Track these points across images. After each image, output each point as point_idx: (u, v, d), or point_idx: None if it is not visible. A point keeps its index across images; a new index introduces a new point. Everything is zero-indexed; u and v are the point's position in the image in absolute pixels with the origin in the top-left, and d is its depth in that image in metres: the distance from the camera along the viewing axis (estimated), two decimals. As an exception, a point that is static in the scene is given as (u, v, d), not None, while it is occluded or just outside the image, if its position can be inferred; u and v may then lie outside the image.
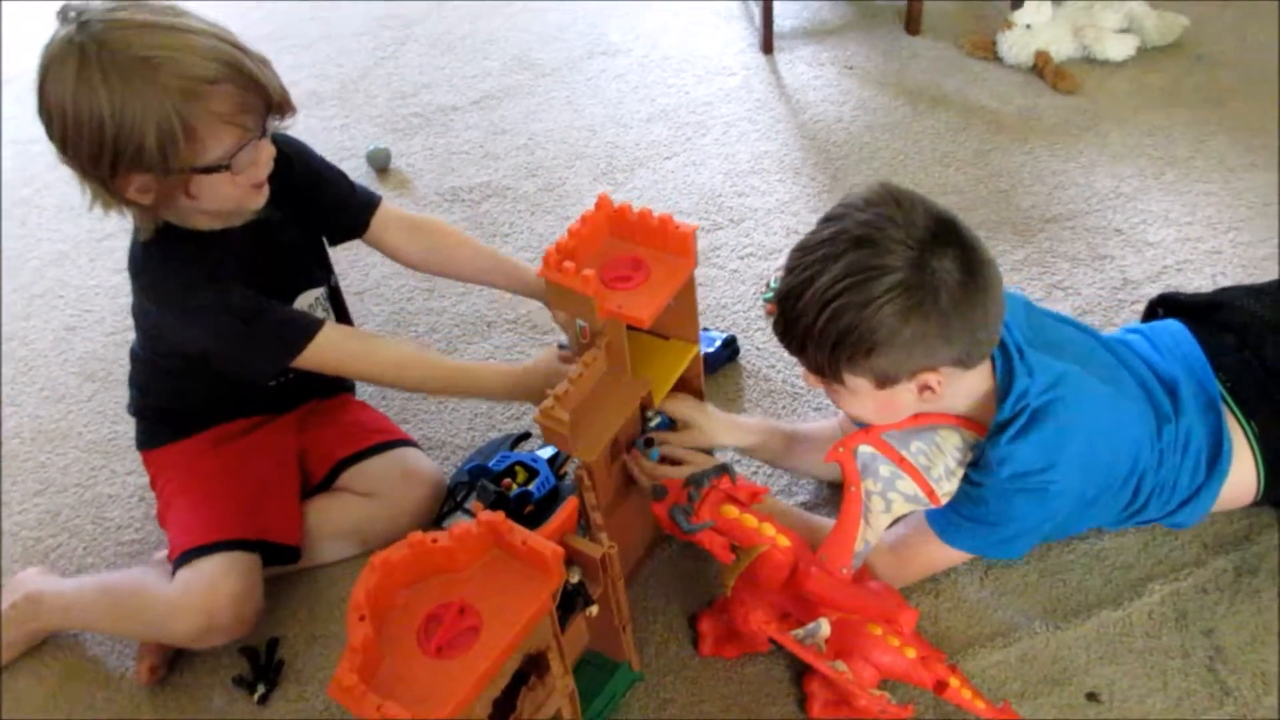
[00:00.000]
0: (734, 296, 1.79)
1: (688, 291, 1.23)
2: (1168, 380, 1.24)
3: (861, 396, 1.11)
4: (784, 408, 1.59)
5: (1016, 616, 1.28)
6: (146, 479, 1.45)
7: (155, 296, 1.27)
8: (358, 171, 2.19)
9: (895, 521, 1.20)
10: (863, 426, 1.18)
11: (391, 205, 1.47)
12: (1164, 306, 1.42)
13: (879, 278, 1.01)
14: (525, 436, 1.56)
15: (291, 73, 2.52)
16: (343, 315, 1.50)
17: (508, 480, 1.44)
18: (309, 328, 1.27)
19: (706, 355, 1.62)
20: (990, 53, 2.33)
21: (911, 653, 1.14)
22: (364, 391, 1.62)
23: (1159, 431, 1.20)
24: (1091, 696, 1.20)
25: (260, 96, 1.15)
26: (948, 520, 1.21)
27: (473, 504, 1.44)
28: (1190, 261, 1.77)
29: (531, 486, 1.43)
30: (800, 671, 1.24)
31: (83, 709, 1.32)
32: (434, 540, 0.94)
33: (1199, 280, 1.72)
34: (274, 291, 1.30)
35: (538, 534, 0.96)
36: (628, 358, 1.21)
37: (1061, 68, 2.23)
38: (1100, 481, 1.18)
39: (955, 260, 1.03)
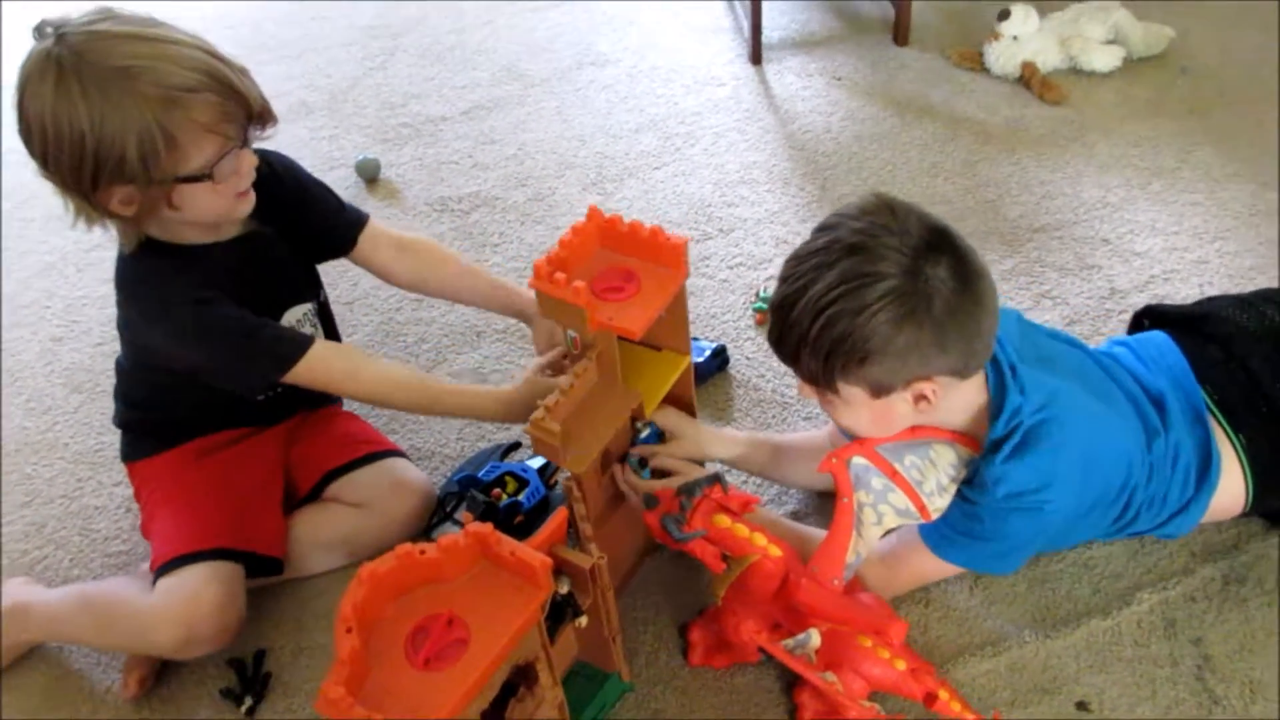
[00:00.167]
0: (724, 306, 1.80)
1: (679, 303, 1.23)
2: (1155, 394, 1.25)
3: (856, 407, 1.11)
4: (774, 417, 1.59)
5: (1006, 625, 1.28)
6: (132, 490, 1.44)
7: (141, 311, 1.27)
8: (347, 181, 2.19)
9: (886, 534, 1.20)
10: (855, 438, 1.18)
11: (379, 224, 1.47)
12: (1149, 318, 1.43)
13: (872, 285, 1.01)
14: (515, 446, 1.55)
15: (280, 83, 2.53)
16: (331, 330, 1.50)
17: (497, 490, 1.44)
18: (297, 345, 1.27)
19: (696, 365, 1.61)
20: (977, 63, 2.34)
21: (901, 665, 1.14)
22: (352, 402, 1.61)
23: (1149, 445, 1.21)
24: (1081, 705, 1.20)
25: (241, 105, 1.15)
26: (941, 535, 1.22)
27: (462, 514, 1.44)
28: (1177, 271, 1.78)
29: (521, 497, 1.43)
30: (790, 682, 1.24)
31: (68, 722, 1.31)
32: (422, 552, 0.93)
33: (1186, 290, 1.73)
34: (262, 306, 1.29)
35: (527, 545, 0.95)
36: (619, 369, 1.21)
37: (1048, 79, 2.25)
38: (1094, 498, 1.19)
39: (949, 269, 1.03)
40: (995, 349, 1.13)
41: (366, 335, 1.83)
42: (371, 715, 0.82)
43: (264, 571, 1.37)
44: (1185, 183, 1.97)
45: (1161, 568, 1.33)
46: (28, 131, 1.11)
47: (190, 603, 1.25)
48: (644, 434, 1.28)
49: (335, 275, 1.89)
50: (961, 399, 1.14)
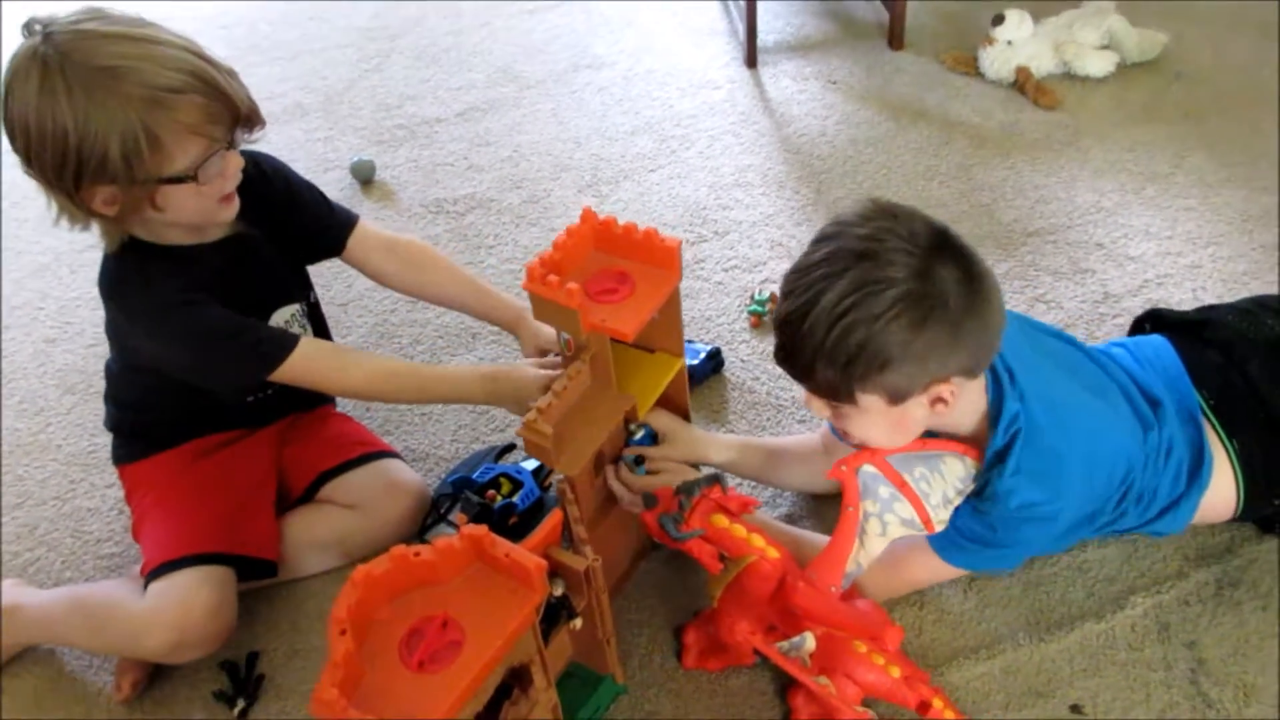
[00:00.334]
0: (718, 309, 1.80)
1: (673, 305, 1.23)
2: (1149, 392, 1.25)
3: (873, 416, 1.09)
4: (768, 420, 1.59)
5: (1000, 629, 1.28)
6: (124, 493, 1.44)
7: (126, 312, 1.26)
8: (342, 183, 2.19)
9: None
10: (854, 444, 1.17)
11: (370, 225, 1.46)
12: (1151, 322, 1.43)
13: (885, 290, 1.00)
14: (510, 448, 1.55)
15: (275, 85, 2.53)
16: (322, 332, 1.49)
17: (492, 492, 1.44)
18: (284, 343, 1.26)
19: (691, 367, 1.62)
20: (972, 68, 2.35)
21: (896, 671, 1.14)
22: (345, 403, 1.61)
23: (1144, 437, 1.21)
24: (1075, 709, 1.20)
25: (227, 107, 1.14)
26: (950, 541, 1.22)
27: (456, 516, 1.43)
28: (1171, 276, 1.78)
29: (516, 498, 1.42)
30: (784, 685, 1.24)
31: (60, 724, 1.30)
32: (416, 554, 0.93)
33: (1179, 294, 1.74)
34: (250, 307, 1.29)
35: (521, 546, 0.95)
36: (612, 371, 1.21)
37: (1042, 83, 2.25)
38: (1099, 495, 1.19)
39: (957, 268, 1.03)
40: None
41: (361, 337, 1.83)
42: (365, 717, 0.81)
43: (257, 574, 1.36)
44: (1179, 188, 1.98)
45: (1155, 571, 1.33)
46: (11, 128, 1.11)
47: (182, 608, 1.25)
48: (638, 436, 1.28)
49: (329, 276, 1.89)
50: (969, 402, 1.14)
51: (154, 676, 1.33)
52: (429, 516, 1.45)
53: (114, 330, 1.33)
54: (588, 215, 1.22)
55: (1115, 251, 1.84)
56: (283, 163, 1.39)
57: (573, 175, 2.16)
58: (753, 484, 1.47)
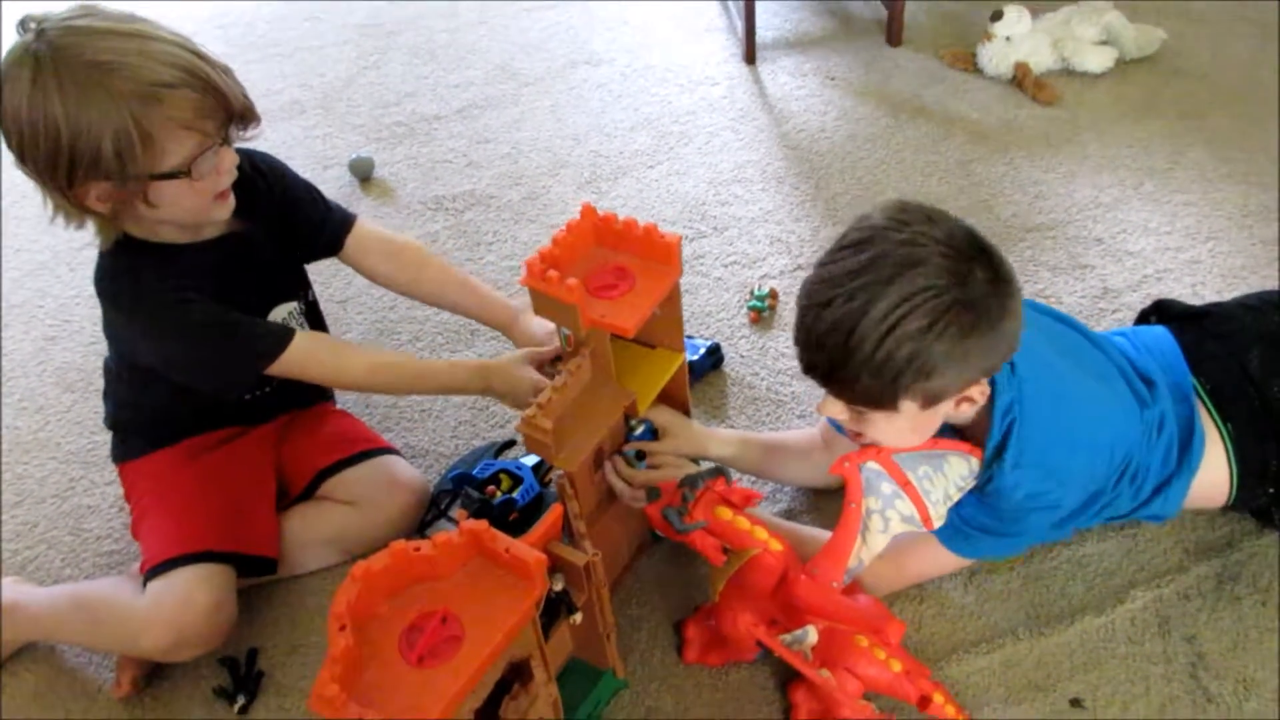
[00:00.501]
0: (718, 304, 1.80)
1: (673, 300, 1.23)
2: (1143, 372, 1.26)
3: (902, 420, 1.08)
4: (767, 415, 1.59)
5: (1000, 623, 1.29)
6: (123, 491, 1.44)
7: (121, 310, 1.26)
8: (341, 180, 2.18)
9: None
10: (852, 435, 1.17)
11: (367, 224, 1.46)
12: (1155, 314, 1.43)
13: (933, 299, 0.99)
14: (510, 444, 1.55)
15: (273, 82, 2.53)
16: (320, 329, 1.49)
17: (492, 488, 1.44)
18: (279, 338, 1.26)
19: (691, 363, 1.62)
20: (970, 64, 2.35)
21: (897, 666, 1.14)
22: (344, 400, 1.61)
23: (1141, 415, 1.22)
24: (1075, 703, 1.20)
25: (220, 102, 1.14)
26: (955, 530, 1.22)
27: (456, 512, 1.43)
28: (1170, 271, 1.78)
29: (516, 494, 1.42)
30: (785, 680, 1.24)
31: (60, 721, 1.30)
32: (416, 549, 0.93)
33: (1179, 289, 1.74)
34: (247, 305, 1.29)
35: (521, 541, 0.95)
36: (612, 367, 1.21)
37: (1041, 79, 2.25)
38: (1102, 478, 1.20)
39: (987, 269, 1.03)
40: None
41: (360, 334, 1.82)
42: (364, 713, 0.81)
43: (257, 571, 1.36)
44: (1178, 183, 1.98)
45: (1155, 565, 1.33)
46: (5, 125, 1.10)
47: (181, 606, 1.25)
48: (638, 431, 1.28)
49: (329, 274, 1.89)
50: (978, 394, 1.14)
51: (154, 673, 1.33)
52: (429, 513, 1.45)
53: (110, 328, 1.33)
54: (588, 211, 1.22)
55: (1114, 247, 1.84)
56: (280, 161, 1.38)
57: (571, 172, 2.16)
58: (752, 479, 1.47)
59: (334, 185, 2.17)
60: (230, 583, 1.30)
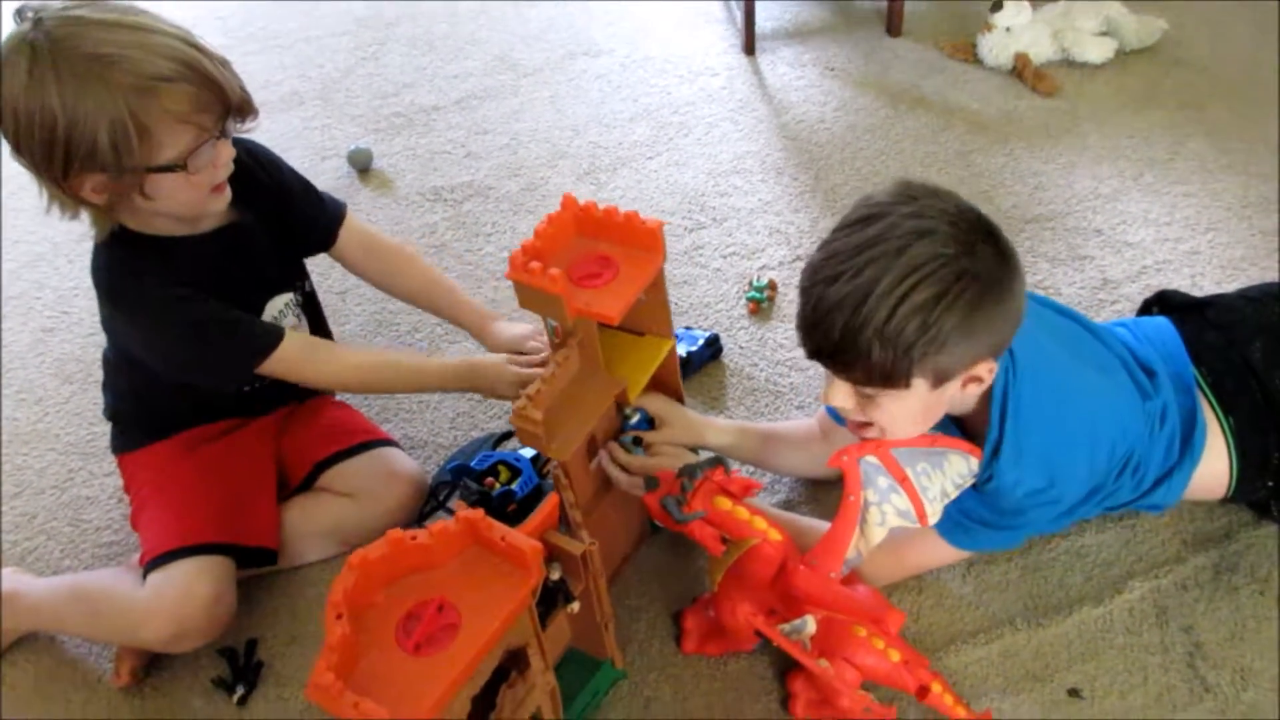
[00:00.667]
0: (717, 295, 1.79)
1: (658, 286, 1.23)
2: (1145, 363, 1.26)
3: (910, 402, 1.07)
4: (766, 406, 1.59)
5: (998, 613, 1.29)
6: (122, 482, 1.44)
7: (114, 304, 1.26)
8: (339, 171, 2.18)
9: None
10: (853, 428, 1.17)
11: (356, 219, 1.46)
12: (1158, 305, 1.43)
13: (945, 267, 0.99)
14: (508, 435, 1.55)
15: (272, 73, 2.53)
16: (318, 320, 1.49)
17: (490, 479, 1.44)
18: (267, 339, 1.26)
19: (689, 354, 1.62)
20: (970, 55, 2.34)
21: (895, 656, 1.14)
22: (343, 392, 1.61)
23: (1143, 407, 1.21)
24: (1073, 692, 1.20)
25: (218, 96, 1.13)
26: (954, 523, 1.22)
27: (455, 503, 1.44)
28: (1169, 262, 1.78)
29: (514, 485, 1.42)
30: (784, 670, 1.24)
31: (59, 711, 1.30)
32: (412, 538, 0.93)
33: (1178, 280, 1.73)
34: (241, 297, 1.29)
35: (518, 530, 0.95)
36: (599, 355, 1.21)
37: (1041, 70, 2.25)
38: (1103, 472, 1.19)
39: (993, 245, 1.03)
40: None
41: (359, 325, 1.82)
42: (361, 700, 0.81)
43: (257, 562, 1.37)
44: (1177, 174, 1.97)
45: (1153, 556, 1.33)
46: (1, 115, 1.10)
47: (180, 598, 1.25)
48: (633, 420, 1.28)
49: (327, 265, 1.86)
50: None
51: (153, 663, 1.33)
52: (427, 504, 1.45)
53: (106, 321, 1.33)
54: (569, 201, 1.22)
55: (1114, 238, 1.84)
56: (276, 154, 1.38)
57: (570, 163, 2.15)
58: (751, 469, 1.47)
59: (332, 176, 2.17)
60: (229, 574, 1.30)
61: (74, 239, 2.07)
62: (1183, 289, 1.62)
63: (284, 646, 1.34)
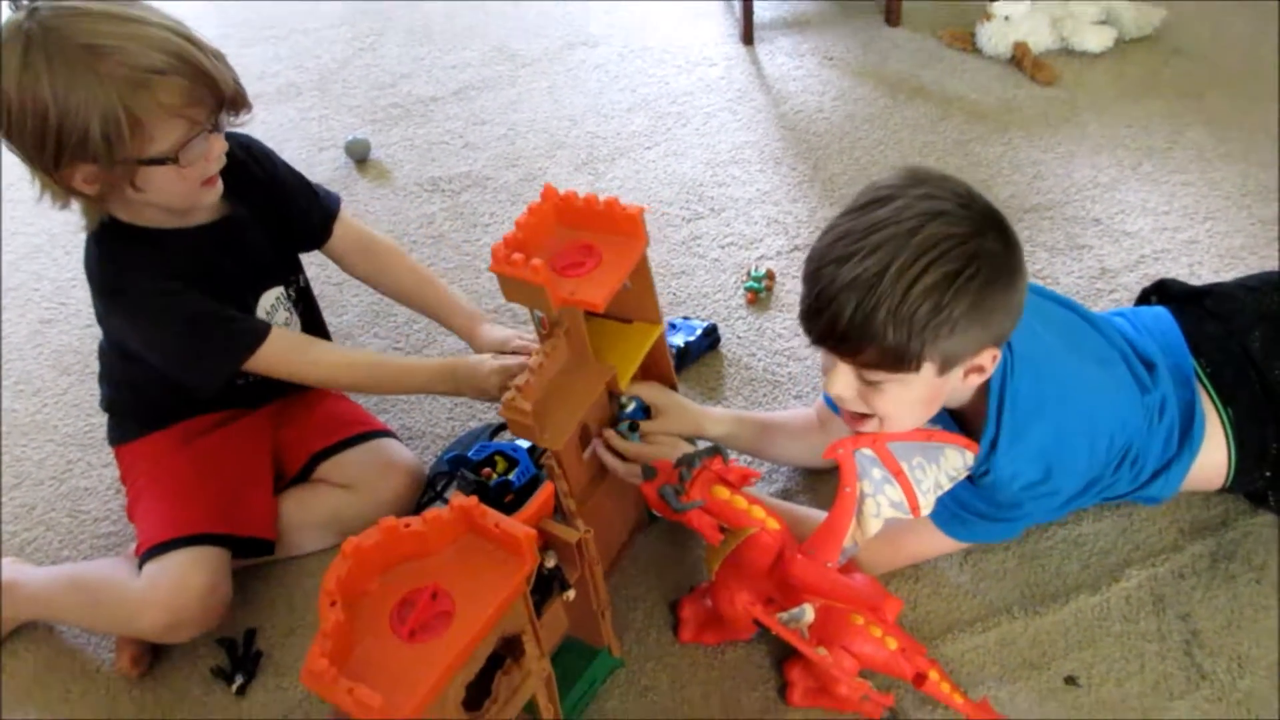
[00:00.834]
0: (715, 285, 1.79)
1: (643, 272, 1.23)
2: (1144, 355, 1.25)
3: (914, 389, 1.07)
4: (764, 395, 1.59)
5: (995, 602, 1.29)
6: (119, 473, 1.44)
7: (105, 295, 1.26)
8: (337, 162, 2.18)
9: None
10: (850, 420, 1.16)
11: (349, 217, 1.46)
12: (1156, 294, 1.43)
13: (959, 248, 0.99)
14: (505, 426, 1.55)
15: (269, 64, 2.52)
16: (312, 313, 1.49)
17: (488, 470, 1.43)
18: (253, 336, 1.26)
19: (687, 344, 1.62)
20: (969, 44, 2.34)
21: (893, 644, 1.14)
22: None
23: (1142, 400, 1.21)
24: (1070, 680, 1.20)
25: (211, 89, 1.13)
26: (951, 514, 1.22)
27: (452, 494, 1.43)
28: (1168, 251, 1.78)
29: (512, 476, 1.42)
30: (781, 659, 1.24)
31: (59, 701, 1.30)
32: (406, 525, 0.93)
33: (1176, 269, 1.73)
34: (234, 291, 1.29)
35: (513, 518, 0.95)
36: (588, 344, 1.21)
37: (1040, 59, 2.24)
38: (1101, 464, 1.19)
39: (1001, 232, 1.03)
40: None
41: (356, 316, 1.82)
42: (355, 686, 0.81)
43: (255, 553, 1.37)
44: (1176, 163, 1.97)
45: (1150, 544, 1.33)
46: None
47: (176, 588, 1.25)
48: (629, 409, 1.28)
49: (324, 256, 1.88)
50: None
51: (153, 653, 1.33)
52: (425, 495, 1.45)
53: (99, 313, 1.33)
54: (549, 192, 1.22)
55: (1112, 227, 1.84)
56: (271, 149, 1.38)
57: (568, 153, 2.15)
58: (748, 458, 1.47)
59: (330, 167, 2.16)
60: (225, 565, 1.30)
61: (71, 230, 2.06)
62: (1181, 278, 1.61)
63: (282, 636, 1.34)
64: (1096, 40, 2.26)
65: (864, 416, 1.13)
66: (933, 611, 1.28)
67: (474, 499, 0.95)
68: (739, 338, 1.69)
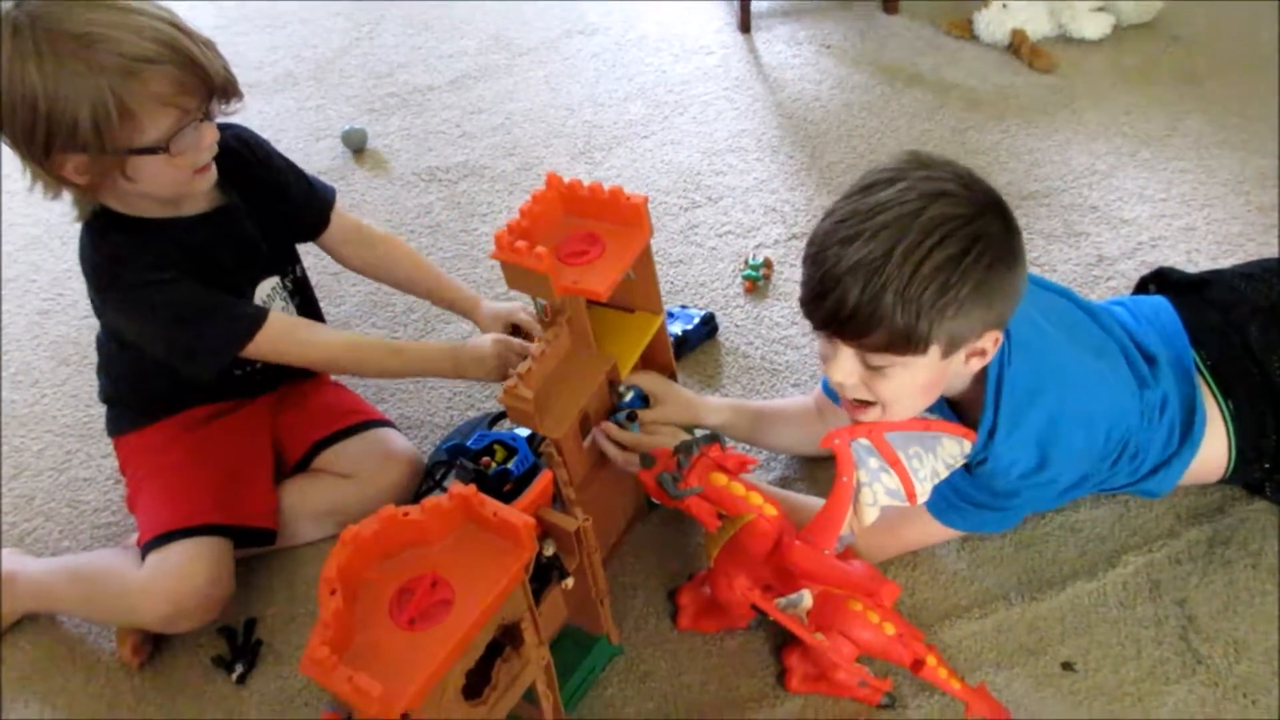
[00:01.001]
0: (712, 274, 1.79)
1: (645, 262, 1.23)
2: (1145, 348, 1.25)
3: (919, 373, 1.06)
4: (762, 384, 1.59)
5: (993, 588, 1.29)
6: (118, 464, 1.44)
7: (99, 288, 1.26)
8: (334, 152, 2.18)
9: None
10: (850, 408, 1.16)
11: (342, 210, 1.46)
12: (1155, 283, 1.43)
13: (964, 228, 0.99)
14: (504, 415, 1.55)
15: (265, 53, 2.52)
16: (308, 302, 1.49)
17: (486, 459, 1.44)
18: (251, 322, 1.26)
19: (685, 333, 1.62)
20: (967, 31, 2.33)
21: (891, 629, 1.14)
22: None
23: (1141, 395, 1.21)
24: (1066, 666, 1.21)
25: (201, 79, 1.13)
26: (949, 504, 1.22)
27: (451, 483, 1.43)
28: (1165, 238, 1.78)
29: (510, 464, 1.42)
30: (779, 645, 1.25)
31: (59, 690, 1.31)
32: (405, 514, 0.93)
33: (1174, 256, 1.73)
34: (229, 281, 1.29)
35: (511, 507, 0.96)
36: (590, 332, 1.21)
37: (1038, 46, 2.24)
38: (1098, 456, 1.19)
39: (1002, 214, 1.03)
40: None
41: (354, 306, 1.82)
42: (355, 674, 0.82)
43: (256, 542, 1.37)
44: (1174, 150, 1.97)
45: (1147, 530, 1.33)
46: None
47: (178, 580, 1.25)
48: (627, 398, 1.28)
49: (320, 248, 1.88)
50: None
51: (155, 642, 1.33)
52: (424, 484, 1.45)
53: (94, 304, 1.33)
54: (553, 180, 1.22)
55: (1110, 214, 1.84)
56: (265, 140, 1.38)
57: (565, 142, 2.15)
58: (746, 447, 1.47)
59: (327, 157, 2.16)
60: (227, 556, 1.30)
61: (68, 221, 2.01)
62: (1179, 265, 1.62)
63: (282, 625, 1.35)
64: (1094, 27, 2.26)
65: (865, 404, 1.13)
66: (930, 598, 1.29)
67: (473, 488, 0.95)
68: (737, 326, 1.70)
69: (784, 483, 1.43)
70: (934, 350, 1.04)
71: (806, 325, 1.12)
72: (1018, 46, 2.25)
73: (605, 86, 2.30)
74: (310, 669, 0.84)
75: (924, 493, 1.14)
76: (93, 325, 1.80)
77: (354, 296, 1.84)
